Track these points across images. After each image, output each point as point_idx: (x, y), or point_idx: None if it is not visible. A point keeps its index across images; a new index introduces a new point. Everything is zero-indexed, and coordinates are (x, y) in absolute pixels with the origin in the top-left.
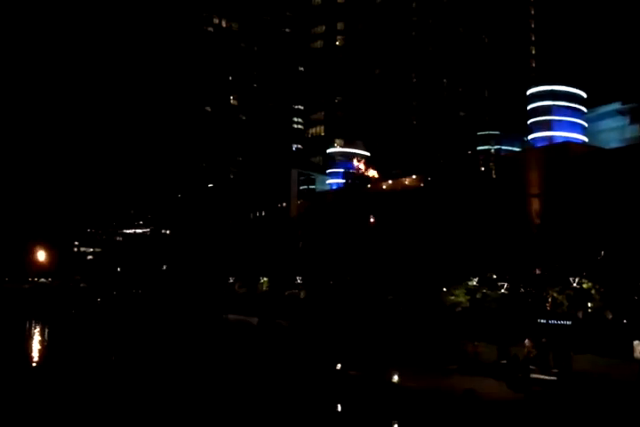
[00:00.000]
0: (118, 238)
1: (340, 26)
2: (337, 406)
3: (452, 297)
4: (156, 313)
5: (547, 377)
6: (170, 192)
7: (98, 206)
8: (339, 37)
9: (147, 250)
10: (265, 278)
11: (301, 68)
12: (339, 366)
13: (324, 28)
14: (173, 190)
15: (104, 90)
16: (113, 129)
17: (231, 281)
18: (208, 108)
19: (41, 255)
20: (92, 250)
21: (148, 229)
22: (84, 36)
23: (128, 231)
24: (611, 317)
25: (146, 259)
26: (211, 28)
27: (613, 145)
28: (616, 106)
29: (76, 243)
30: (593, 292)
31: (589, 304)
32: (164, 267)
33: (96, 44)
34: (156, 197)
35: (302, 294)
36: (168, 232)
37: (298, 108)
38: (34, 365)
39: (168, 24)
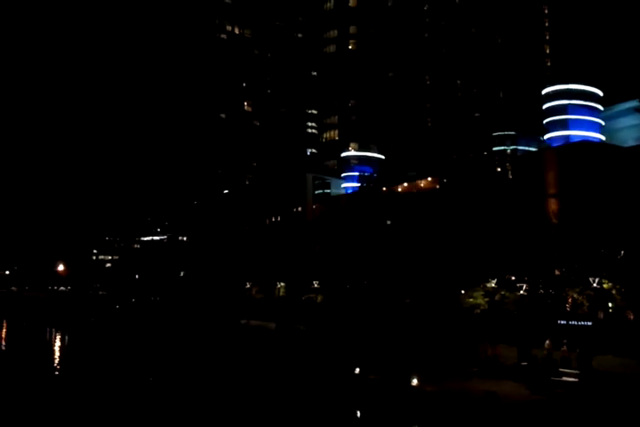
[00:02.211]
0: (136, 246)
1: (352, 30)
2: (356, 411)
3: (471, 299)
4: (173, 319)
5: (568, 379)
6: (186, 199)
7: (115, 215)
8: (351, 41)
9: (164, 257)
10: (282, 283)
11: (314, 73)
12: (357, 370)
13: (336, 32)
14: (189, 197)
15: (120, 98)
16: (130, 138)
17: (248, 286)
18: (222, 115)
19: (60, 264)
20: (110, 258)
21: (166, 237)
22: (102, 45)
23: (145, 239)
24: (632, 317)
25: (163, 266)
26: (224, 35)
27: (631, 143)
28: (633, 103)
29: (95, 251)
30: (614, 292)
31: (610, 305)
32: (182, 273)
33: (112, 51)
34: (172, 205)
35: (319, 299)
36: (185, 239)
37: (312, 113)
38: (52, 370)
39: (182, 32)
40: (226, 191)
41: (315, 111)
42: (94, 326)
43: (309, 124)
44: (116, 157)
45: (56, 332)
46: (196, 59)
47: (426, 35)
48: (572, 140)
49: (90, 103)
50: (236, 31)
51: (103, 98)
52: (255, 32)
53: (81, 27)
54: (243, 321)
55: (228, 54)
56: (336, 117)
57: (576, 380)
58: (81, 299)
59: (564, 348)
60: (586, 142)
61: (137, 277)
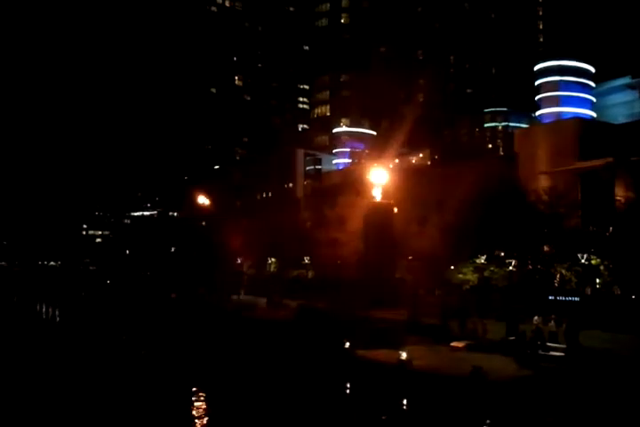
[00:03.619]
0: (126, 221)
1: (344, 3)
2: (346, 385)
3: (460, 275)
4: (164, 294)
5: (555, 353)
6: (177, 174)
7: (105, 190)
8: (343, 15)
9: (155, 232)
10: (273, 259)
11: (306, 47)
12: (347, 344)
13: (328, 5)
14: (180, 172)
15: (110, 72)
16: (120, 112)
17: (239, 262)
18: (213, 90)
19: (50, 239)
20: (100, 233)
21: (156, 212)
22: (86, 16)
23: (136, 214)
24: (619, 292)
25: (154, 241)
26: (214, 8)
27: (622, 120)
28: (625, 80)
29: (85, 226)
30: (601, 268)
31: (597, 280)
32: (173, 249)
33: (100, 26)
34: (163, 180)
35: (310, 275)
36: (176, 214)
37: (303, 88)
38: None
39: (172, 4)
40: (216, 166)
41: (306, 86)
42: (84, 301)
43: (301, 99)
44: (107, 131)
45: (47, 307)
46: (185, 32)
47: (419, 9)
48: (563, 117)
49: (79, 77)
50: (227, 4)
51: (92, 72)
52: (246, 5)
53: None
54: (234, 296)
55: (219, 27)
56: (328, 93)
57: (563, 354)
58: (71, 274)
59: (552, 323)
60: (577, 119)
61: (127, 252)
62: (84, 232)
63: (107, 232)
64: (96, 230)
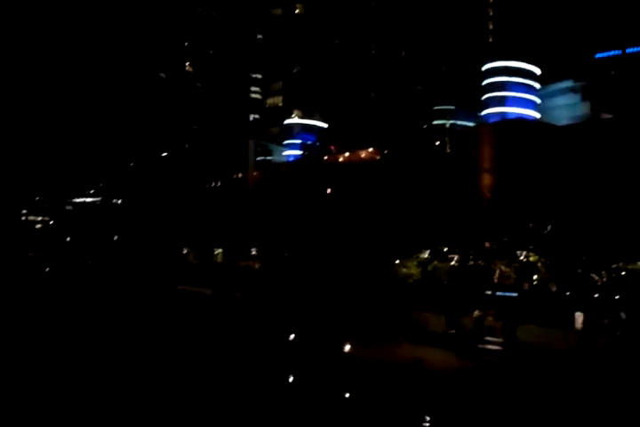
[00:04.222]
0: (68, 207)
1: None
2: (289, 376)
3: (405, 269)
4: (107, 284)
5: (493, 347)
6: (122, 161)
7: (47, 174)
8: (298, 5)
9: (97, 220)
10: (220, 250)
11: (260, 36)
12: (292, 336)
13: None
14: (125, 159)
15: (56, 54)
16: (64, 95)
17: (185, 252)
18: (162, 75)
19: None
20: (40, 219)
21: (99, 199)
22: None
23: (78, 200)
24: (555, 289)
25: (97, 229)
26: None
27: (565, 122)
28: (568, 83)
29: (24, 211)
30: (539, 265)
31: (535, 277)
32: (116, 237)
33: (49, 6)
34: (107, 166)
35: (257, 266)
36: (120, 202)
37: (256, 77)
38: None
39: None
40: (164, 154)
41: (259, 76)
42: (21, 288)
43: (253, 88)
44: (48, 114)
45: None
46: (135, 15)
47: (373, 3)
48: (508, 117)
49: (20, 57)
50: None
51: (36, 52)
52: None
53: None
54: (179, 287)
55: (169, 11)
56: (280, 83)
57: (500, 348)
58: (7, 260)
59: (491, 317)
60: (521, 119)
61: (68, 239)
62: (24, 217)
63: (47, 218)
64: (36, 216)
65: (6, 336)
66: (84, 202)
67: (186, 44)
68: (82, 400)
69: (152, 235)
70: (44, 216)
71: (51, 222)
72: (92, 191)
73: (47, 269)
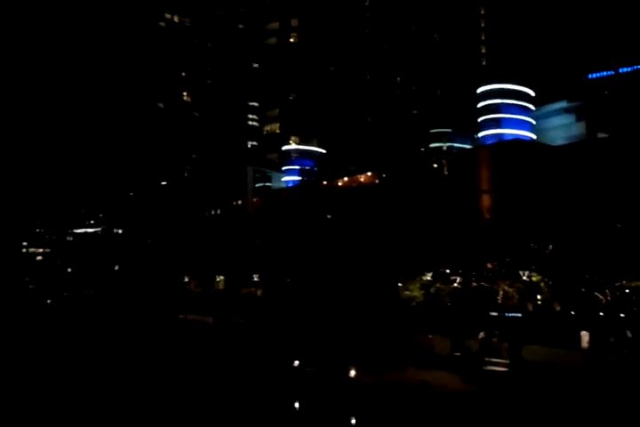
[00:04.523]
0: (69, 238)
1: (294, 22)
2: (295, 402)
3: (407, 292)
4: (109, 314)
5: (499, 369)
6: (122, 190)
7: (47, 206)
8: (293, 34)
9: (98, 250)
10: (221, 277)
11: (256, 65)
12: (296, 362)
13: (277, 24)
14: (125, 188)
15: (55, 84)
16: (64, 126)
17: (186, 280)
18: (161, 105)
19: None
20: (41, 250)
21: (100, 229)
22: (36, 28)
23: (79, 231)
24: (559, 308)
25: (97, 259)
26: (163, 23)
27: (560, 142)
28: (563, 104)
29: (25, 243)
30: (542, 285)
31: (539, 297)
32: (117, 267)
33: (48, 37)
34: (107, 196)
35: (259, 292)
36: (120, 231)
37: (252, 105)
38: None
39: (120, 19)
40: (164, 183)
41: (256, 104)
42: (23, 320)
43: (250, 116)
44: (49, 145)
45: None
46: (134, 46)
47: (367, 30)
48: (504, 139)
49: (22, 88)
50: (176, 19)
51: (36, 84)
52: (195, 21)
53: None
54: (181, 315)
55: (167, 43)
56: (277, 110)
57: (506, 369)
58: (10, 293)
59: (496, 339)
60: (517, 141)
61: (69, 270)
62: (24, 250)
63: (48, 250)
64: (37, 248)
65: (7, 366)
66: (85, 232)
67: (183, 74)
68: None
69: (153, 264)
70: (44, 248)
71: (51, 254)
72: (92, 222)
73: (49, 301)
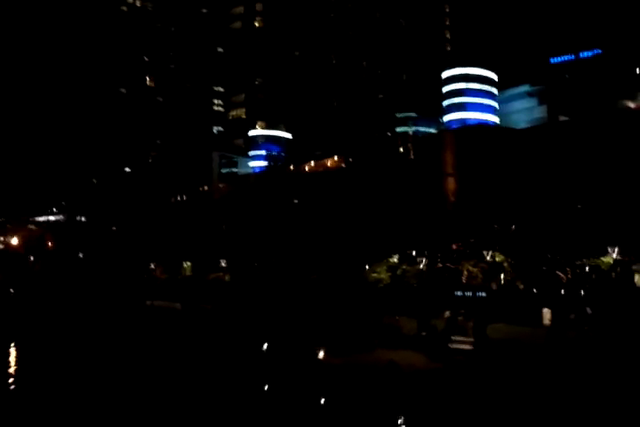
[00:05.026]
0: (30, 227)
1: (258, 7)
2: (264, 385)
3: (375, 274)
4: (74, 301)
5: (465, 347)
6: (85, 177)
7: (7, 194)
8: (257, 18)
9: (61, 238)
10: (188, 263)
11: (220, 49)
12: (265, 345)
13: (242, 8)
14: (88, 175)
15: (14, 69)
16: (25, 111)
17: (152, 267)
18: (123, 90)
19: None
20: (2, 239)
21: (62, 217)
22: None
23: (40, 219)
24: (522, 287)
25: (61, 247)
26: (124, 8)
27: (523, 125)
28: (525, 88)
29: None
30: (505, 264)
31: (502, 276)
32: (81, 255)
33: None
34: (69, 183)
35: (227, 278)
36: (84, 219)
37: (218, 90)
38: None
39: (82, 3)
40: (128, 169)
41: (221, 89)
42: None
43: (216, 101)
44: (8, 132)
45: None
46: (95, 31)
47: (332, 15)
48: (468, 123)
49: None
50: (138, 4)
51: None
52: (157, 5)
53: None
54: (147, 302)
55: (129, 27)
56: (243, 95)
57: (471, 347)
58: None
59: (461, 318)
60: (481, 125)
61: (32, 258)
62: None
63: (9, 238)
64: None
65: None
66: (47, 220)
67: (146, 58)
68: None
69: (118, 251)
70: (5, 236)
71: (13, 242)
72: (54, 209)
73: (12, 291)
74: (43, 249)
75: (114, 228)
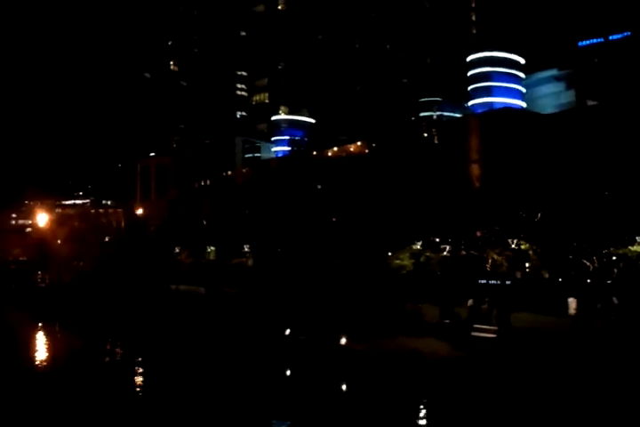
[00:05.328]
0: (58, 210)
1: None
2: (287, 370)
3: (398, 261)
4: (99, 284)
5: (488, 335)
6: (110, 162)
7: (35, 178)
8: (281, 1)
9: (88, 221)
10: (212, 247)
11: (243, 33)
12: (288, 331)
13: None
14: (114, 160)
15: (42, 55)
16: (51, 97)
17: (177, 251)
18: (147, 75)
19: None
20: (30, 222)
21: (88, 200)
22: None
23: (67, 202)
24: (547, 276)
25: (87, 230)
26: None
27: (550, 110)
28: (553, 72)
29: (14, 215)
30: (530, 253)
31: (527, 264)
32: (107, 238)
33: (32, 11)
34: (95, 167)
35: (250, 262)
36: (109, 202)
37: (241, 75)
38: None
39: None
40: (152, 154)
41: (244, 73)
42: (17, 290)
43: (239, 86)
44: (37, 117)
45: None
46: (118, 15)
47: None
48: (495, 107)
49: (9, 61)
50: None
51: (22, 55)
52: None
53: None
54: (172, 286)
55: (153, 11)
56: (266, 80)
57: (495, 336)
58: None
59: (485, 306)
60: (508, 109)
61: (59, 242)
62: (14, 222)
63: (37, 221)
64: (26, 220)
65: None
66: (74, 204)
67: (169, 43)
68: (78, 400)
69: (143, 235)
70: (33, 219)
71: (41, 225)
72: (80, 193)
73: (39, 273)
74: (70, 232)
75: (139, 211)
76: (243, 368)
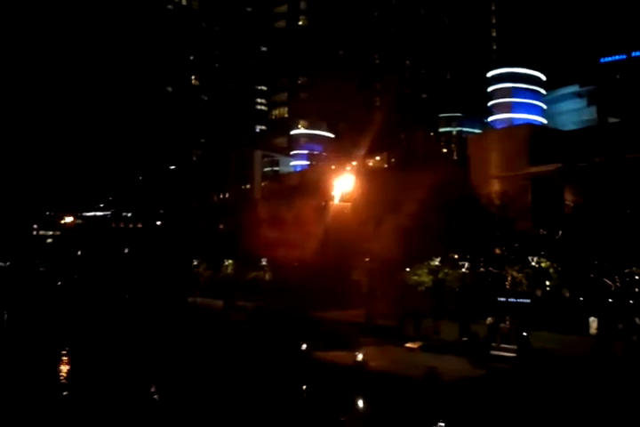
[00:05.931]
0: (78, 222)
1: (302, 5)
2: (302, 386)
3: (416, 277)
4: (117, 297)
5: (507, 354)
6: (131, 174)
7: (57, 189)
8: (301, 17)
9: (108, 233)
10: (230, 261)
11: (264, 48)
12: (304, 346)
13: (286, 7)
14: (134, 172)
15: (63, 68)
16: (73, 109)
17: (195, 264)
18: (169, 89)
19: None
20: (51, 233)
21: (109, 212)
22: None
23: (88, 214)
24: (568, 295)
25: (107, 242)
26: (171, 6)
27: (571, 127)
28: (574, 88)
29: (35, 226)
30: (551, 271)
31: (547, 283)
32: (126, 250)
33: (56, 19)
34: (116, 180)
35: (267, 276)
36: (129, 215)
37: (261, 89)
38: None
39: (128, 2)
40: (172, 167)
41: (264, 87)
42: (35, 301)
43: (259, 100)
44: (58, 130)
45: None
46: (141, 30)
47: (375, 13)
48: (515, 123)
49: (31, 73)
50: (184, 2)
51: (46, 69)
52: (203, 4)
53: None
54: (190, 299)
55: (175, 26)
56: (285, 94)
57: (514, 355)
58: (20, 275)
59: (504, 324)
60: (528, 125)
61: (79, 253)
62: (35, 232)
63: (58, 232)
64: (47, 231)
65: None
66: (95, 216)
67: (191, 57)
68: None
69: (162, 247)
70: (54, 231)
71: (61, 237)
72: (101, 205)
73: (59, 283)
74: (91, 244)
75: (159, 224)
76: (261, 383)
